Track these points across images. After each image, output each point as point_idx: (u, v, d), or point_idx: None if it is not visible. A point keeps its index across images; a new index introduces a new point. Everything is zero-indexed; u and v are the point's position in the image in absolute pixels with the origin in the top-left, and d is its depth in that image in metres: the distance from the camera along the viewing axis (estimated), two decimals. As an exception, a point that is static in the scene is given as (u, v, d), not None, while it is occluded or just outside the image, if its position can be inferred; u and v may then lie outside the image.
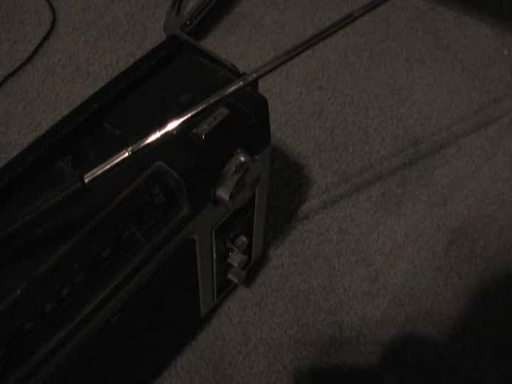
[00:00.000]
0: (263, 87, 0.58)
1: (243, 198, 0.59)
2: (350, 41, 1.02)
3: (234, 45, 1.01)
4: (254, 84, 0.56)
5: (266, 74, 0.48)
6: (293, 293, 0.79)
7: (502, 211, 0.86)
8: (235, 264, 0.67)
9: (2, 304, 0.44)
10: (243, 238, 0.67)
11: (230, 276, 0.70)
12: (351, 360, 0.75)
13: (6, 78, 0.95)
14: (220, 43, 1.01)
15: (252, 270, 0.79)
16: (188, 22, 0.98)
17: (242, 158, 0.55)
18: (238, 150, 0.55)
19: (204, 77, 0.58)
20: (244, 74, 0.57)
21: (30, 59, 0.97)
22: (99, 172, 0.45)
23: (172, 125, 0.47)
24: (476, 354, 0.76)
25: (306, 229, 0.84)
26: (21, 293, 0.44)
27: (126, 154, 0.45)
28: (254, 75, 0.48)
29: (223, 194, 0.55)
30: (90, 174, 0.45)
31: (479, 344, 0.76)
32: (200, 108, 0.47)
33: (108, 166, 0.45)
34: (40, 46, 0.99)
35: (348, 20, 0.48)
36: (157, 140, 0.46)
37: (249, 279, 0.79)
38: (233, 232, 0.65)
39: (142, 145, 0.46)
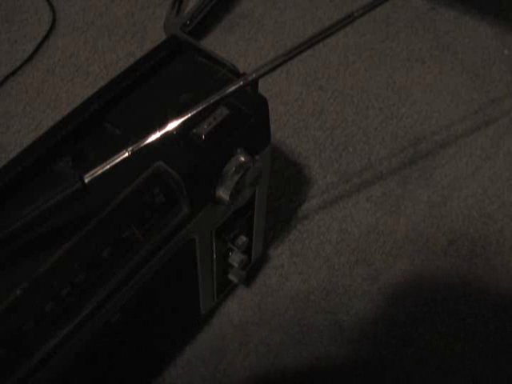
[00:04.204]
0: (263, 87, 0.58)
1: (243, 198, 0.59)
2: (349, 41, 1.02)
3: (234, 45, 1.01)
4: (254, 84, 0.56)
5: (265, 73, 0.48)
6: (293, 293, 0.79)
7: (502, 211, 0.86)
8: (235, 264, 0.67)
9: (2, 304, 0.44)
10: (243, 238, 0.67)
11: (230, 276, 0.70)
12: (351, 360, 0.75)
13: (6, 78, 0.95)
14: (220, 43, 1.01)
15: (252, 269, 0.79)
16: (188, 22, 0.98)
17: (242, 158, 0.55)
18: (238, 150, 0.55)
19: (204, 77, 0.58)
20: (244, 73, 0.57)
21: (30, 59, 0.97)
22: (99, 172, 0.45)
23: (172, 125, 0.47)
24: (476, 353, 0.76)
25: (306, 229, 0.84)
26: (21, 293, 0.44)
27: (126, 154, 0.45)
28: (254, 75, 0.48)
29: (223, 194, 0.55)
30: (90, 173, 0.45)
31: (479, 344, 0.76)
32: (200, 108, 0.47)
33: (108, 166, 0.45)
34: (40, 45, 0.99)
35: (348, 20, 0.48)
36: (157, 140, 0.46)
37: (249, 279, 0.79)
38: (233, 232, 0.65)
39: (141, 145, 0.46)
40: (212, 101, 0.47)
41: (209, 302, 0.71)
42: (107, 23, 1.02)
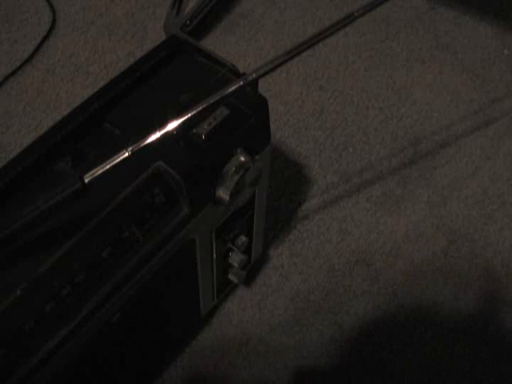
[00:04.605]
0: (263, 87, 0.58)
1: (243, 198, 0.59)
2: (349, 41, 1.02)
3: (234, 45, 1.01)
4: (254, 84, 0.56)
5: (266, 74, 0.48)
6: (293, 293, 0.79)
7: (502, 211, 0.86)
8: (235, 264, 0.67)
9: (1, 304, 0.44)
10: (243, 238, 0.67)
11: (230, 276, 0.70)
12: (351, 360, 0.75)
13: (6, 78, 0.95)
14: (220, 43, 1.01)
15: (252, 269, 0.79)
16: (188, 22, 0.98)
17: (242, 158, 0.55)
18: (238, 150, 0.55)
19: (204, 77, 0.58)
20: (244, 74, 0.57)
21: (29, 59, 0.97)
22: (99, 172, 0.45)
23: (172, 125, 0.47)
24: (476, 353, 0.76)
25: (306, 229, 0.84)
26: (21, 293, 0.44)
27: (126, 154, 0.45)
28: (254, 75, 0.48)
29: (223, 194, 0.55)
30: (90, 174, 0.45)
31: (479, 344, 0.76)
32: (200, 108, 0.47)
33: (108, 166, 0.45)
34: (40, 45, 0.99)
35: (348, 20, 0.48)
36: (157, 140, 0.46)
37: (249, 279, 0.79)
38: (233, 232, 0.65)
39: (141, 145, 0.46)
40: (212, 101, 0.47)
41: (209, 302, 0.71)
42: (107, 23, 1.02)
